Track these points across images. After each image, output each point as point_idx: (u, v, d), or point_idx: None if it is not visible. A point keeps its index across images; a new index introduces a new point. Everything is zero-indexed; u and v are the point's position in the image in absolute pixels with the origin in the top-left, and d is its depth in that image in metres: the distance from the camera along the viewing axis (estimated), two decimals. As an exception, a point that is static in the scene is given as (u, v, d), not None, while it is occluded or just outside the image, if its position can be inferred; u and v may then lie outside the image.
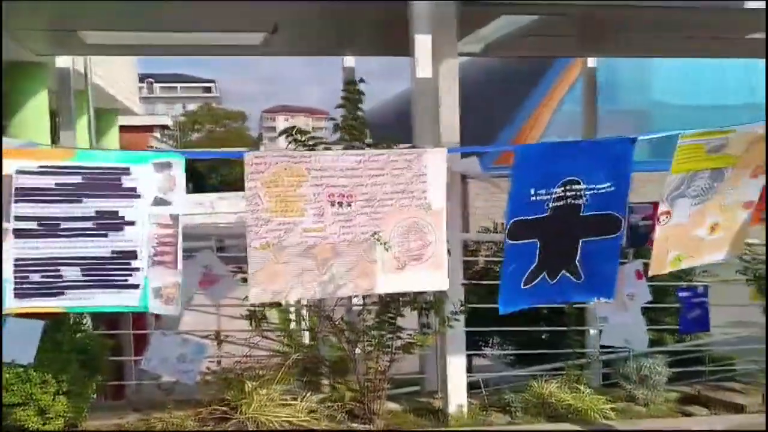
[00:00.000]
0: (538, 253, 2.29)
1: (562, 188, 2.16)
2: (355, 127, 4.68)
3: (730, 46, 8.13)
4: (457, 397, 5.07)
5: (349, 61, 8.10)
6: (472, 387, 5.59)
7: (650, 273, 2.50)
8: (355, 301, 5.08)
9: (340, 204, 1.98)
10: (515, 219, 2.14)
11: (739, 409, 5.37)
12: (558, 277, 2.41)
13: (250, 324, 4.92)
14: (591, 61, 9.15)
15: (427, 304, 4.98)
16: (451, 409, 5.07)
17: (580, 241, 2.32)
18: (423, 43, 5.42)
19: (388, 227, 2.08)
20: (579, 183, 2.19)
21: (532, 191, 2.13)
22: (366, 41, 7.22)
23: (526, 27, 7.64)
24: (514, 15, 7.13)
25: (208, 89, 73.48)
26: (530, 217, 2.15)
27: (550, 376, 5.71)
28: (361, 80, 4.76)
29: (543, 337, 9.14)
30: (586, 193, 2.21)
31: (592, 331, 6.86)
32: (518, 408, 5.23)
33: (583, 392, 5.35)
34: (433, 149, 2.23)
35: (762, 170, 2.23)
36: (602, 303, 5.65)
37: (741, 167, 2.24)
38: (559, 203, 2.17)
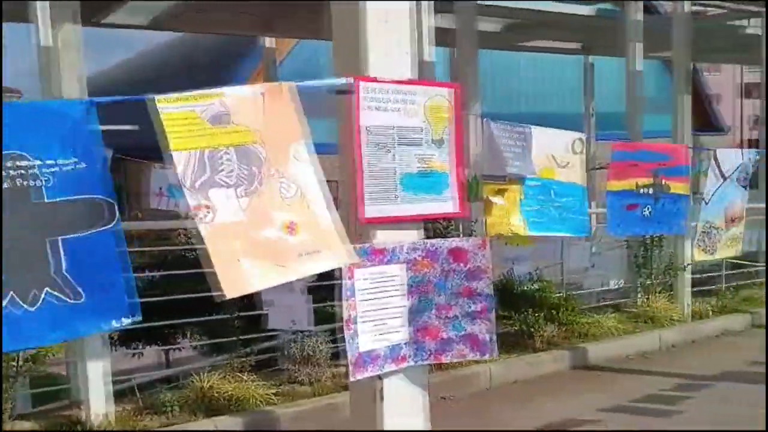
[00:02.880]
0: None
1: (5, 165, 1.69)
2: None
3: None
4: (101, 404, 4.57)
5: None
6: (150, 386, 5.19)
7: (226, 294, 1.84)
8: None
9: None
10: None
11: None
12: (39, 301, 1.77)
13: None
14: (269, 42, 9.10)
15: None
16: (95, 418, 4.55)
17: (58, 239, 1.77)
18: (43, 9, 4.73)
19: None
20: (27, 159, 1.70)
21: None
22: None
23: (193, 2, 7.27)
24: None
25: None
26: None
27: (211, 367, 5.46)
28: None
29: (235, 324, 8.92)
30: (44, 171, 1.73)
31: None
32: (176, 407, 4.88)
33: (246, 380, 5.18)
34: None
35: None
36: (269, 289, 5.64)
37: (271, 145, 1.88)
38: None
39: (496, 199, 2.20)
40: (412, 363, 2.05)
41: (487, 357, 2.05)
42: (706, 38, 9.63)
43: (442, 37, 8.37)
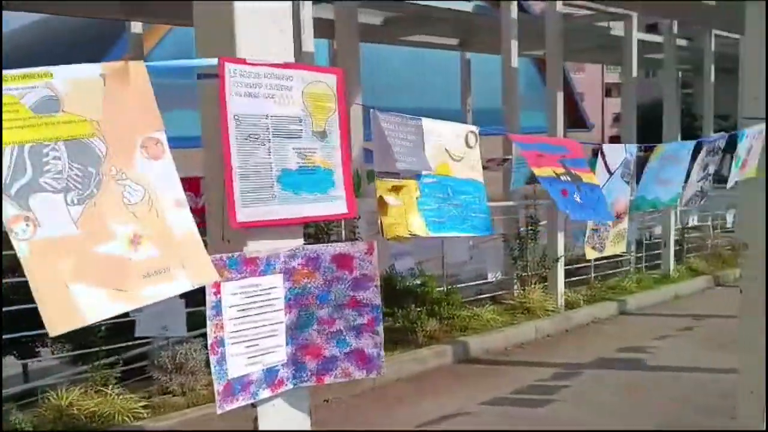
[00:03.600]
0: None
1: None
2: None
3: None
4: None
5: None
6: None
7: (51, 330, 1.40)
8: None
9: None
10: None
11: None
12: None
13: None
14: (137, 28, 8.50)
15: None
16: (-70, 448, 3.99)
17: None
18: None
19: None
20: None
21: None
22: None
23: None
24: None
25: None
26: None
27: (75, 380, 4.98)
28: None
29: (102, 331, 8.29)
30: None
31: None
32: (28, 427, 4.39)
33: (111, 394, 4.75)
34: None
35: (150, 143, 1.56)
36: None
37: (113, 139, 1.52)
38: None
39: (391, 199, 1.96)
40: (290, 386, 1.82)
41: (374, 375, 1.85)
42: (574, 38, 10.02)
43: (322, 28, 8.16)
